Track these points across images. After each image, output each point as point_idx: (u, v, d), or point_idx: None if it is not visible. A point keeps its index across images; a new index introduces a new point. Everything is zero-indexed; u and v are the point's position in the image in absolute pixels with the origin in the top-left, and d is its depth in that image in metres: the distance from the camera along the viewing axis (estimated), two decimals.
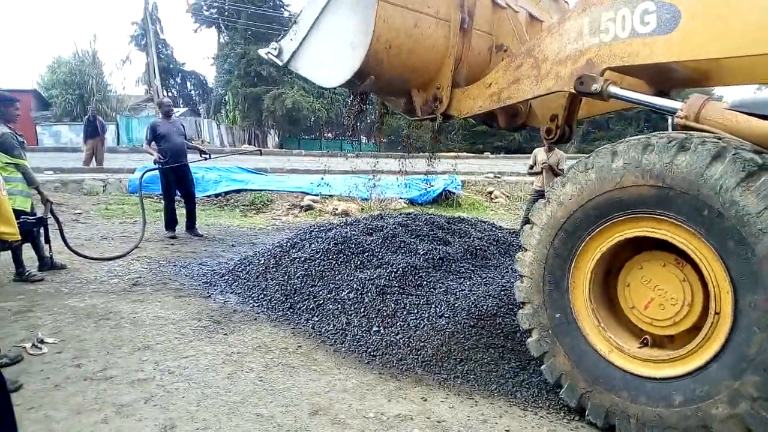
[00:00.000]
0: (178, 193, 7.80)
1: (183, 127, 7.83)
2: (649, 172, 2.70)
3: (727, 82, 3.55)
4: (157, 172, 7.61)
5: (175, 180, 7.58)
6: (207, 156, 7.98)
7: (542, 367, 3.24)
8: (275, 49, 4.43)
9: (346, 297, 4.37)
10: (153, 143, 7.46)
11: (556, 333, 3.14)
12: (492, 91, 3.99)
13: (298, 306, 4.52)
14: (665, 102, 3.30)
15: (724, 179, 2.46)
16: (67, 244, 5.63)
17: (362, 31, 3.77)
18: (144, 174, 8.25)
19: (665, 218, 2.68)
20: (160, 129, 7.41)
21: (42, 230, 5.38)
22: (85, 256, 5.83)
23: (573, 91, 3.43)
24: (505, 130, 5.07)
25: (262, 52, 4.63)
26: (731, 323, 2.48)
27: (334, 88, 4.10)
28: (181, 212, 7.96)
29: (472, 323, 3.91)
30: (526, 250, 3.27)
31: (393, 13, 3.79)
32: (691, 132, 2.78)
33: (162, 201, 8.16)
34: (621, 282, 3.07)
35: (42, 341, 3.79)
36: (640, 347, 2.92)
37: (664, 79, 3.62)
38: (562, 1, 5.18)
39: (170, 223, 7.68)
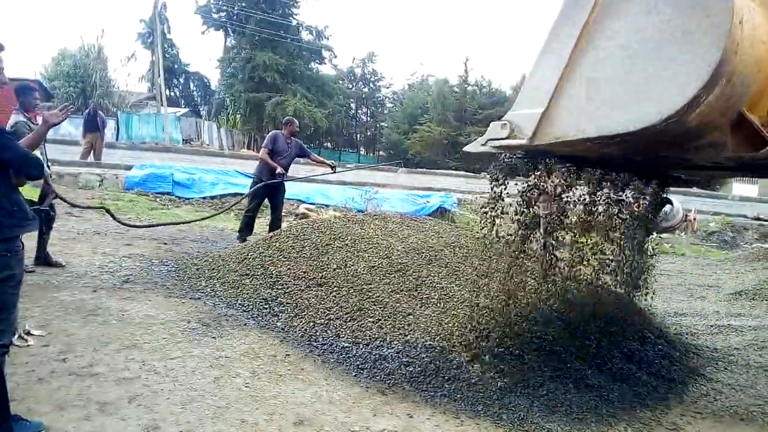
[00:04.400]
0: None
1: (300, 148, 7.80)
2: None
3: None
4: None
5: (269, 195, 7.62)
6: (333, 170, 7.90)
7: None
8: (504, 126, 3.07)
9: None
10: (271, 155, 7.44)
11: None
12: None
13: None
14: None
15: None
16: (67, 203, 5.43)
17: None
18: (259, 185, 7.81)
19: None
20: (279, 143, 7.45)
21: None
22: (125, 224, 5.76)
23: None
24: None
25: (471, 147, 3.34)
26: None
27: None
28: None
29: (463, 342, 3.91)
30: None
31: None
32: None
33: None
34: None
35: (29, 333, 3.75)
36: None
37: None
38: None
39: (244, 230, 7.59)
